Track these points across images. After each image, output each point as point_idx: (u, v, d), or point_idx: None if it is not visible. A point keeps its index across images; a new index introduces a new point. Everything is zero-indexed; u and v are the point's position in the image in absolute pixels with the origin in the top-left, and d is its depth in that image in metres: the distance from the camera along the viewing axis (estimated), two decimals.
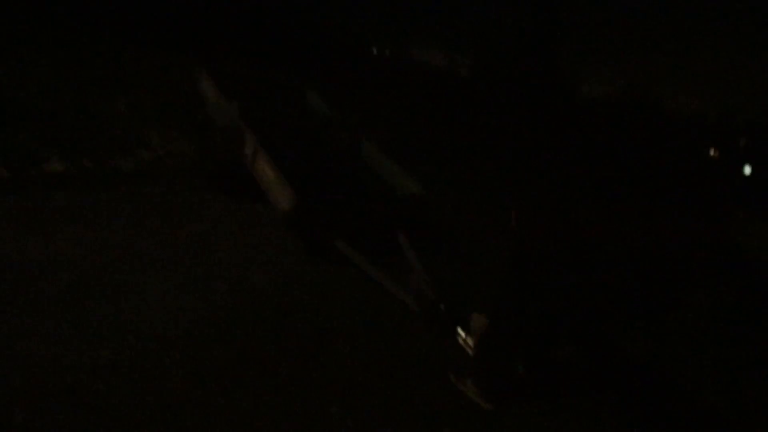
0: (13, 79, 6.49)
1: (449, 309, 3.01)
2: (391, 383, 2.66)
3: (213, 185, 4.99)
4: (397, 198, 4.46)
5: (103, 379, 2.26)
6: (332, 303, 3.36)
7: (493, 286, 2.76)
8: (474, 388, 2.69)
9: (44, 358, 2.33)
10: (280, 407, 2.31)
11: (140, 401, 2.19)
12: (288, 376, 2.54)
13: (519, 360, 2.87)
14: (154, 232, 3.85)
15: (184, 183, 5.09)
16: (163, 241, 3.74)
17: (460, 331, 2.77)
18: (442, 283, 3.25)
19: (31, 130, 5.30)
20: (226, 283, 3.31)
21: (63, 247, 3.35)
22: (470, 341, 2.71)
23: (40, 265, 3.08)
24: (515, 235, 2.72)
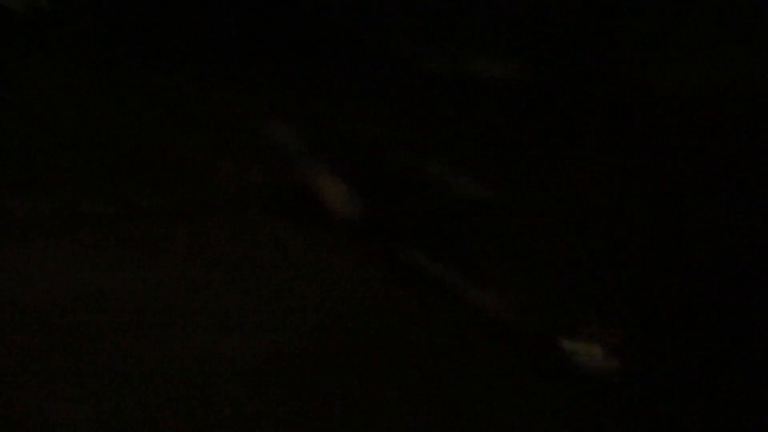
0: (69, 111, 6.68)
1: (552, 321, 2.78)
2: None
3: (280, 213, 5.15)
4: (470, 206, 4.54)
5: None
6: (413, 328, 3.08)
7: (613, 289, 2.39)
8: None
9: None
10: None
11: None
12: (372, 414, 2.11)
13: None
14: (223, 264, 3.77)
15: (252, 213, 5.13)
16: (233, 274, 3.65)
17: (570, 345, 2.34)
18: (537, 292, 3.22)
19: (94, 166, 5.41)
20: (303, 313, 3.11)
21: (123, 283, 3.24)
22: (597, 357, 2.25)
23: (98, 303, 2.91)
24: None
